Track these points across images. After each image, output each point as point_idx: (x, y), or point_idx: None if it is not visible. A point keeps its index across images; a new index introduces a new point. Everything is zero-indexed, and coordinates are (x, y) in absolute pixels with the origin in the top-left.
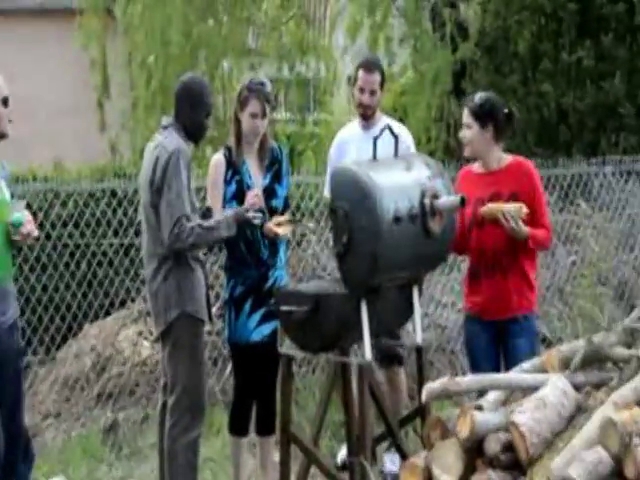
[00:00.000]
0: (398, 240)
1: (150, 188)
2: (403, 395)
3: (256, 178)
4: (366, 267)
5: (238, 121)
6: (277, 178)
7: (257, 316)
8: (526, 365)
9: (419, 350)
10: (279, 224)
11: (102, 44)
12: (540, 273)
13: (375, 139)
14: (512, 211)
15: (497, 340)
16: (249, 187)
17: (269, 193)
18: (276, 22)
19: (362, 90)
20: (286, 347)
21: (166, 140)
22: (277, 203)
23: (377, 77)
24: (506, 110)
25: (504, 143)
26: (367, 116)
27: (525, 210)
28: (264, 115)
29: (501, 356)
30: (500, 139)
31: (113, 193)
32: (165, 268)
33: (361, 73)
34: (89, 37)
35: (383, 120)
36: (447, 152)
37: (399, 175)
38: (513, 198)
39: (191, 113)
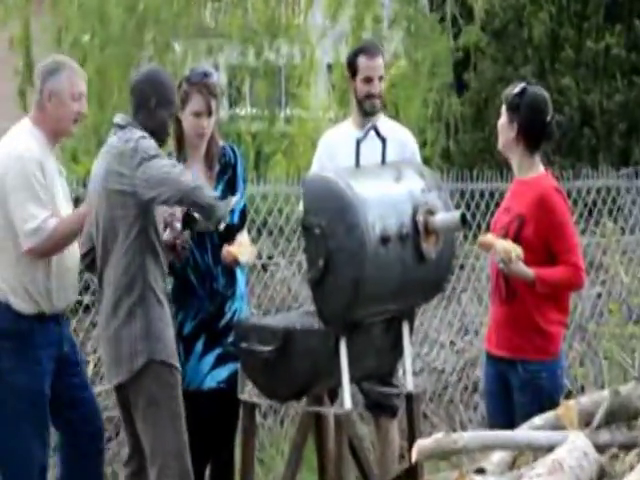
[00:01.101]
0: (385, 265)
1: (122, 195)
2: (394, 452)
3: None
4: (346, 297)
5: (179, 121)
6: (230, 187)
7: (211, 357)
8: (538, 420)
9: (410, 399)
10: (240, 247)
11: (25, 19)
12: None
13: (358, 141)
14: (501, 252)
15: (505, 387)
16: None
17: None
18: None
19: (369, 80)
20: (248, 393)
21: (128, 134)
22: (232, 219)
23: (381, 60)
24: (548, 118)
25: (538, 153)
26: (378, 110)
27: (518, 254)
28: (210, 113)
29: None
30: (526, 145)
31: None
32: (128, 303)
33: (363, 60)
34: (8, 10)
35: (383, 120)
36: (446, 159)
37: (387, 186)
38: (519, 221)
39: (156, 112)
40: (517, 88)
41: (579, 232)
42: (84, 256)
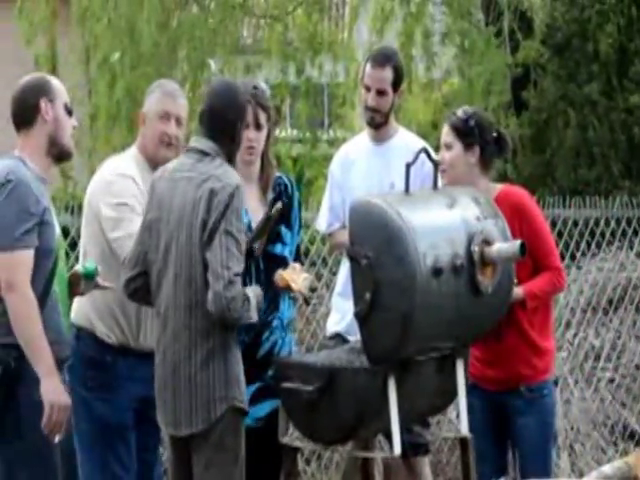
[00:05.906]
0: (437, 299)
1: (202, 232)
2: None
3: (255, 215)
4: (395, 333)
5: None
6: (284, 220)
7: (249, 392)
8: (607, 469)
9: (465, 443)
10: (294, 272)
11: (51, 37)
12: (628, 342)
13: (408, 166)
14: None
15: (499, 418)
16: (248, 226)
17: (271, 235)
18: (280, 11)
19: (368, 89)
20: (290, 437)
21: (221, 171)
22: (282, 250)
23: (388, 73)
24: (495, 133)
25: (492, 173)
26: (376, 124)
27: (515, 282)
28: (258, 126)
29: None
30: (487, 167)
31: (64, 231)
32: (207, 347)
33: (368, 68)
34: (34, 27)
35: (400, 134)
36: (503, 183)
37: (439, 214)
38: None
39: (239, 134)
40: (463, 113)
41: None
42: (130, 280)
